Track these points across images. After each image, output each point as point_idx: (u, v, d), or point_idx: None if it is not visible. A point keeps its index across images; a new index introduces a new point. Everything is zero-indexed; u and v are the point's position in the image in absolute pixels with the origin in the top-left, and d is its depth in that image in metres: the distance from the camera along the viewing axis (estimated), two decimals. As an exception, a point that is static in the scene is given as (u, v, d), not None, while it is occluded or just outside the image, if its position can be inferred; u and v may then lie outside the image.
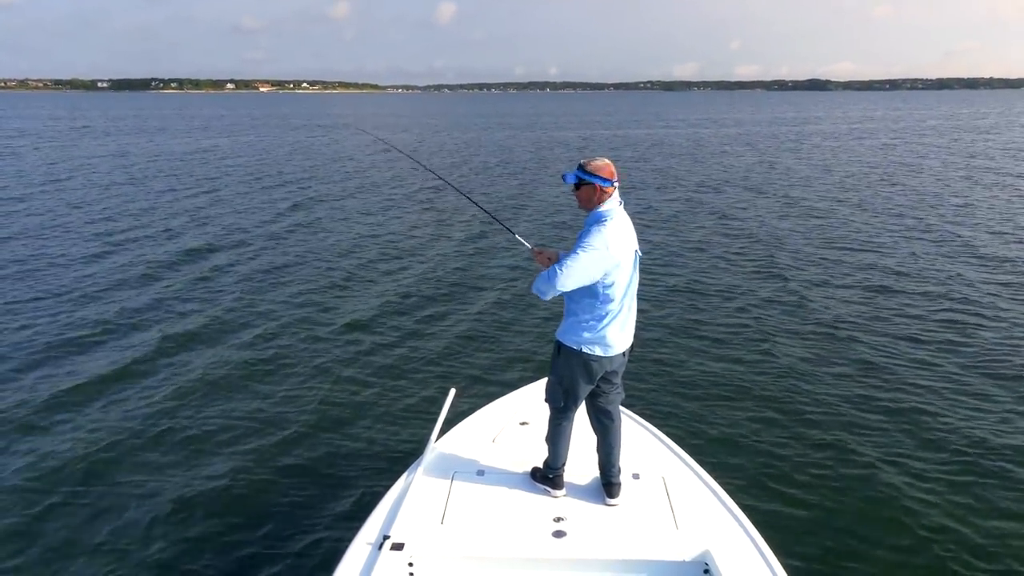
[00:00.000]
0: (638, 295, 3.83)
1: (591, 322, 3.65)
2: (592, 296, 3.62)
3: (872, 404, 6.89)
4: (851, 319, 9.36)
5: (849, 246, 13.69)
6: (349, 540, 3.46)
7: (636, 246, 3.72)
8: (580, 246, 3.53)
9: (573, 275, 3.50)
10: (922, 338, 8.66)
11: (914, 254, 12.92)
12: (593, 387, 3.85)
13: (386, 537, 3.40)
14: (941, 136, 43.68)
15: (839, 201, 19.09)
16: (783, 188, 21.70)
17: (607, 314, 3.64)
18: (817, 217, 16.82)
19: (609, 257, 3.51)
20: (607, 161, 3.65)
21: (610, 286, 3.59)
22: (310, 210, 18.07)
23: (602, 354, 3.69)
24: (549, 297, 3.62)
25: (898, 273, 11.64)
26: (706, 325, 9.19)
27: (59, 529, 5.03)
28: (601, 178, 3.59)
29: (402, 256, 13.22)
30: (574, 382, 3.77)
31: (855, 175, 24.86)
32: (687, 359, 8.03)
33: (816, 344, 8.48)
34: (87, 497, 5.40)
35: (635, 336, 3.85)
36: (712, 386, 7.30)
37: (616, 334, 3.69)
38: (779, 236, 14.68)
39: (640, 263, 3.80)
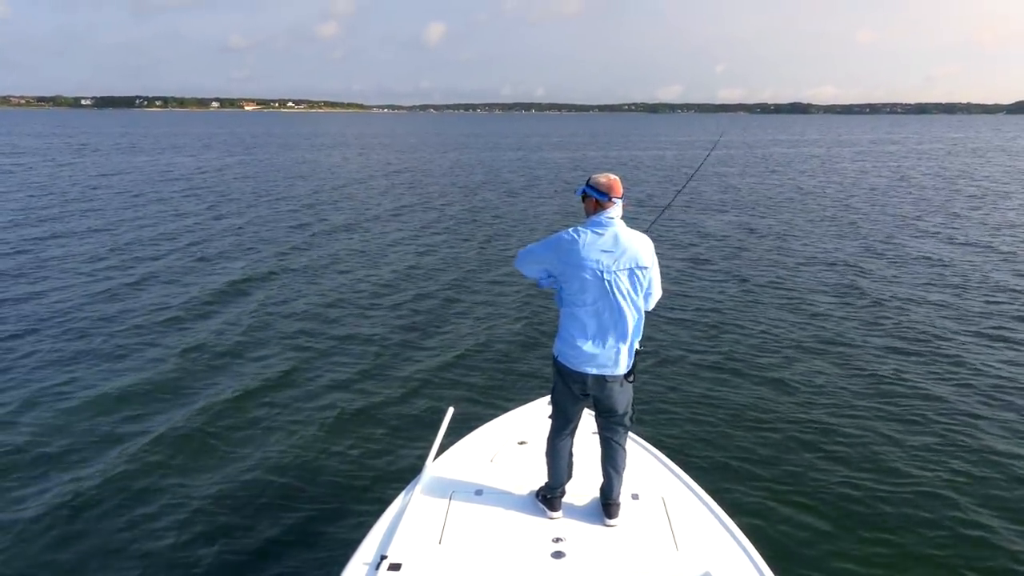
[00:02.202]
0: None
1: (562, 330, 3.76)
2: (559, 303, 3.78)
3: (876, 427, 6.87)
4: (854, 340, 9.38)
5: (857, 265, 13.78)
6: (346, 560, 3.40)
7: (625, 265, 3.62)
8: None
9: (522, 256, 3.87)
10: (935, 356, 8.66)
11: (922, 270, 13.05)
12: (582, 406, 3.85)
13: (383, 557, 3.35)
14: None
15: (854, 221, 19.29)
16: (793, 208, 21.94)
17: (576, 324, 3.68)
18: (830, 236, 16.94)
19: (551, 258, 3.70)
20: (610, 177, 3.75)
21: (568, 293, 3.69)
22: (312, 229, 18.05)
23: (572, 367, 3.70)
24: (520, 271, 3.93)
25: (907, 294, 11.69)
26: (707, 346, 9.20)
27: (55, 540, 5.00)
28: (597, 191, 3.71)
29: (399, 274, 13.22)
30: (558, 393, 3.87)
31: (860, 196, 25.11)
32: (687, 380, 8.02)
33: (818, 366, 8.48)
34: (78, 512, 5.34)
35: (635, 358, 3.76)
36: (712, 407, 7.28)
37: (589, 350, 3.66)
38: (787, 257, 14.77)
39: (636, 288, 3.66)
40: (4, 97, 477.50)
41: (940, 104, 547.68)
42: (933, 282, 12.62)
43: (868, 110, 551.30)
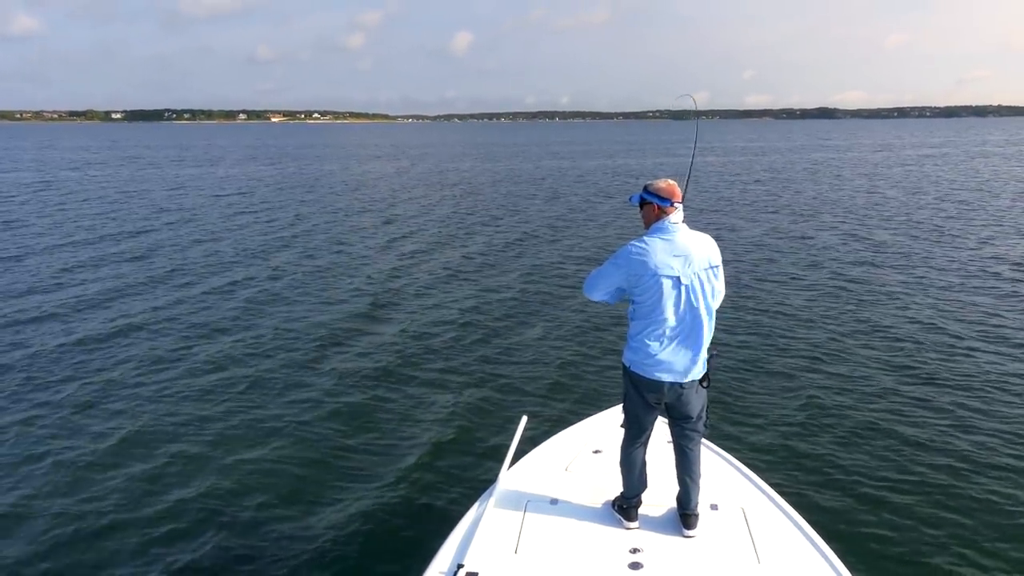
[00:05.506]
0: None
1: (635, 340, 3.68)
2: (633, 313, 3.69)
3: (970, 439, 6.59)
4: (944, 343, 9.16)
5: (946, 269, 13.52)
6: (423, 569, 3.40)
7: (699, 268, 3.59)
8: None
9: (591, 282, 3.76)
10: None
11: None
12: (655, 414, 3.80)
13: (460, 566, 3.32)
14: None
15: (937, 225, 19.07)
16: (869, 213, 21.71)
17: (650, 333, 3.61)
18: (912, 239, 16.68)
19: (622, 275, 3.60)
20: (669, 182, 3.70)
21: (642, 303, 3.60)
22: (383, 235, 18.28)
23: (646, 376, 3.64)
24: (591, 298, 3.83)
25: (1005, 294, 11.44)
26: (785, 351, 9.05)
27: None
28: (659, 197, 3.66)
29: (473, 281, 13.30)
30: (631, 403, 3.80)
31: (930, 203, 24.55)
32: (766, 386, 7.89)
33: (905, 372, 8.24)
34: (184, 519, 5.49)
35: (710, 362, 3.71)
36: (791, 414, 7.13)
37: (664, 358, 3.60)
38: (865, 260, 14.59)
39: (711, 289, 3.63)
40: (37, 112, 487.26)
41: (970, 107, 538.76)
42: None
43: (896, 114, 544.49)
